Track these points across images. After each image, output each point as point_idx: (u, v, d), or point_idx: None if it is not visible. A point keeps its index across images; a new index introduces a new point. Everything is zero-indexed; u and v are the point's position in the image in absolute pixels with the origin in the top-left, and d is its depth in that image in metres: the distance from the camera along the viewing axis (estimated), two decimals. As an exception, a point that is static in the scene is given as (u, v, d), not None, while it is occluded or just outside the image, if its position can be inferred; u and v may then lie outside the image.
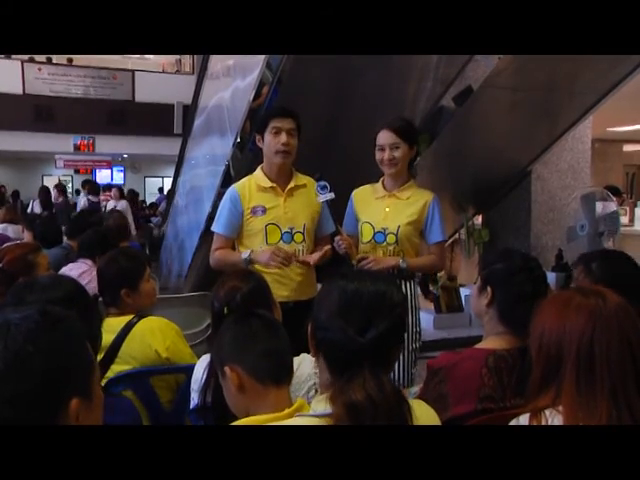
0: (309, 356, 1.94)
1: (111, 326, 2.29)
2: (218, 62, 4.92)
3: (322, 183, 2.73)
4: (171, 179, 7.67)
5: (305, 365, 1.93)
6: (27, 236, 4.98)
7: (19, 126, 13.53)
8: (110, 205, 10.30)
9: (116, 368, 2.27)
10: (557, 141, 4.73)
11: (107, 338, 2.20)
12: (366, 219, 2.84)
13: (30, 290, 1.79)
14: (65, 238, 4.67)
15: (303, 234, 2.84)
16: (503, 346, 1.82)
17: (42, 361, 0.97)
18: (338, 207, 2.84)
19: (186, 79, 14.17)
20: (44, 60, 14.66)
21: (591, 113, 4.49)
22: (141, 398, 2.25)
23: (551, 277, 4.33)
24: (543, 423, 1.32)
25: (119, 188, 11.82)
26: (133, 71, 15.27)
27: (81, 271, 3.60)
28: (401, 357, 2.68)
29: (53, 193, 11.21)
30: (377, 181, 2.91)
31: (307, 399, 1.71)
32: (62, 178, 18.34)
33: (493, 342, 1.86)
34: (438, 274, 4.30)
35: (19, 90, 14.01)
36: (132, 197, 12.54)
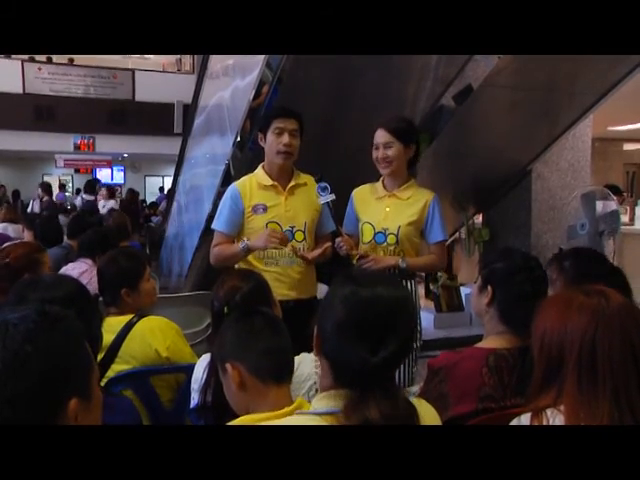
0: (309, 355, 1.94)
1: (111, 326, 2.29)
2: (218, 61, 4.92)
3: (323, 184, 2.73)
4: (171, 178, 7.67)
5: (305, 364, 1.93)
6: (27, 236, 4.98)
7: (19, 125, 13.53)
8: (101, 205, 10.30)
9: (116, 368, 2.27)
10: (557, 140, 4.73)
11: (107, 338, 2.20)
12: (366, 219, 2.84)
13: (33, 288, 1.79)
14: (65, 238, 4.67)
15: (304, 232, 2.84)
16: (503, 345, 1.82)
17: (41, 361, 0.97)
18: (338, 207, 2.84)
19: (186, 78, 14.16)
20: (44, 60, 14.66)
21: (591, 112, 4.48)
22: (141, 398, 2.25)
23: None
24: (544, 423, 1.31)
25: (108, 187, 11.79)
26: (133, 70, 15.26)
27: (81, 271, 3.60)
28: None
29: (38, 192, 11.20)
30: (377, 181, 2.90)
31: (307, 398, 1.71)
32: (62, 178, 18.37)
33: (493, 341, 1.86)
34: (439, 273, 4.30)
35: (19, 89, 14.01)
36: (132, 196, 12.54)
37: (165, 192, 14.68)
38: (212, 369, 1.83)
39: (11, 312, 1.03)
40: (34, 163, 18.10)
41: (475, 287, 1.99)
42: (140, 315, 2.37)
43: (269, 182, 2.84)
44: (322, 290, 2.98)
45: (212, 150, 5.10)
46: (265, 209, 2.82)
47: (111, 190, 11.39)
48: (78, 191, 15.06)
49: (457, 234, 5.52)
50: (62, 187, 16.15)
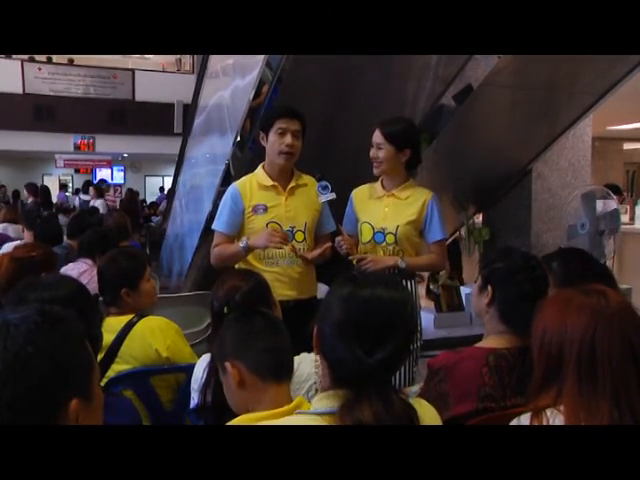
0: (309, 355, 1.94)
1: (111, 326, 2.29)
2: (218, 61, 4.92)
3: (323, 183, 2.73)
4: (171, 178, 7.67)
5: (305, 365, 1.93)
6: (27, 236, 4.98)
7: (19, 126, 13.53)
8: (90, 204, 10.32)
9: (116, 368, 2.27)
10: (557, 140, 4.73)
11: (107, 338, 2.20)
12: (365, 219, 2.84)
13: (33, 288, 1.79)
14: (65, 238, 4.67)
15: (304, 233, 2.84)
16: (504, 345, 1.82)
17: (42, 362, 0.97)
18: (338, 207, 2.84)
19: (186, 78, 14.16)
20: (44, 60, 14.65)
21: (591, 112, 4.48)
22: (141, 398, 2.25)
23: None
24: (544, 423, 1.31)
25: (96, 186, 11.77)
26: (133, 70, 15.26)
27: (81, 271, 3.60)
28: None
29: (24, 194, 11.18)
30: (376, 181, 2.90)
31: (307, 398, 1.71)
32: (62, 177, 18.37)
33: (493, 341, 1.86)
34: (440, 273, 4.29)
35: (19, 89, 14.00)
36: (131, 196, 12.53)
37: (165, 192, 14.68)
38: (212, 369, 1.83)
39: (12, 313, 1.03)
40: (34, 163, 18.09)
41: (475, 287, 1.99)
42: (140, 315, 2.37)
43: (269, 182, 2.84)
44: (322, 290, 2.98)
45: (212, 150, 5.10)
46: (265, 209, 2.81)
47: (99, 189, 11.37)
48: (77, 191, 15.04)
49: (457, 234, 5.52)
50: (63, 187, 16.16)
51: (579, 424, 1.28)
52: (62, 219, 7.17)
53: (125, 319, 2.34)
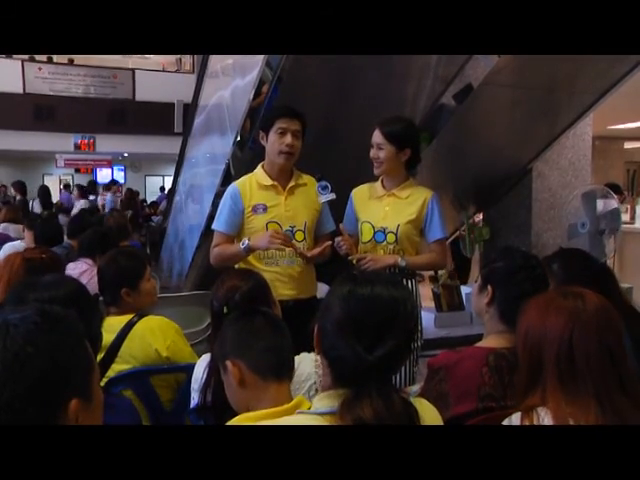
0: (309, 355, 1.94)
1: (111, 326, 2.29)
2: (218, 61, 4.92)
3: (323, 183, 2.72)
4: (172, 178, 7.67)
5: (305, 364, 1.93)
6: (28, 236, 4.97)
7: (19, 125, 13.53)
8: (77, 205, 10.36)
9: (116, 367, 2.27)
10: (557, 139, 4.73)
11: (107, 338, 2.20)
12: (366, 218, 2.84)
13: (33, 288, 1.79)
14: (65, 237, 4.67)
15: (304, 232, 2.84)
16: (504, 345, 1.81)
17: (42, 362, 0.97)
18: (338, 207, 2.84)
19: (186, 78, 14.16)
20: (44, 59, 14.65)
21: (591, 111, 4.48)
22: (141, 398, 2.25)
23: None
24: (535, 421, 1.34)
25: (79, 187, 11.81)
26: (133, 70, 15.26)
27: (81, 270, 3.61)
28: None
29: (11, 191, 11.17)
30: (376, 180, 2.90)
31: (307, 398, 1.71)
32: (63, 177, 18.36)
33: (494, 341, 1.86)
34: (439, 272, 4.29)
35: (19, 89, 14.01)
36: (131, 195, 12.54)
37: (166, 192, 14.68)
38: (212, 369, 1.83)
39: (12, 313, 1.03)
40: (34, 163, 18.09)
41: (475, 286, 1.99)
42: (140, 315, 2.37)
43: (269, 182, 2.84)
44: (323, 290, 2.98)
45: (212, 149, 5.10)
46: (265, 209, 2.81)
47: (82, 190, 11.40)
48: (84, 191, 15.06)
49: (457, 233, 5.52)
50: (67, 187, 16.15)
51: (567, 421, 1.30)
52: (62, 219, 7.17)
53: (125, 319, 2.34)
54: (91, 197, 12.38)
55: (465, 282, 5.28)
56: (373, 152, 2.76)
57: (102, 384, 2.02)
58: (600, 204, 4.77)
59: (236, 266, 2.82)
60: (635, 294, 4.60)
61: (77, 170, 18.12)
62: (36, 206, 10.94)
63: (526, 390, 1.42)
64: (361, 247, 2.84)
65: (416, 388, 2.05)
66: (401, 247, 2.78)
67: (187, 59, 16.19)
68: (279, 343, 1.64)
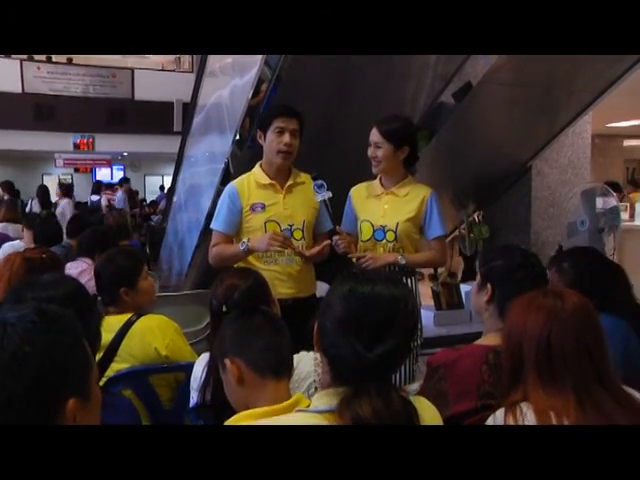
0: (308, 354, 1.94)
1: (110, 325, 2.29)
2: (217, 60, 4.91)
3: (319, 182, 2.72)
4: (171, 177, 7.66)
5: (304, 363, 1.93)
6: (27, 235, 4.97)
7: (18, 125, 13.49)
8: (60, 204, 10.35)
9: (116, 367, 2.27)
10: (557, 137, 4.73)
11: (106, 337, 2.20)
12: (365, 217, 2.83)
13: (31, 288, 1.79)
14: (65, 237, 4.67)
15: (302, 231, 2.84)
16: (503, 343, 1.81)
17: (39, 361, 0.96)
18: (337, 206, 2.83)
19: (185, 77, 14.13)
20: (43, 59, 14.63)
21: (590, 109, 4.48)
22: (141, 397, 2.25)
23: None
24: (519, 417, 1.37)
25: (63, 186, 11.79)
26: (132, 69, 15.24)
27: (81, 270, 3.60)
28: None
29: None
30: (375, 179, 2.90)
31: (306, 397, 1.71)
32: (62, 177, 18.34)
33: (493, 339, 1.86)
34: (439, 270, 4.30)
35: (18, 89, 13.97)
36: (130, 194, 12.55)
37: (165, 191, 14.67)
38: (211, 368, 1.83)
39: (9, 312, 1.03)
40: (34, 163, 18.06)
41: (474, 285, 1.99)
42: (139, 314, 2.37)
43: (267, 181, 2.84)
44: (322, 289, 2.98)
45: (211, 148, 5.09)
46: (263, 208, 2.81)
47: (65, 188, 11.39)
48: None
49: (457, 231, 5.52)
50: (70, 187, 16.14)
51: (548, 415, 1.35)
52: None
53: (124, 318, 2.33)
54: (95, 197, 12.42)
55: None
56: (371, 151, 2.76)
57: (101, 383, 2.02)
58: (599, 202, 4.78)
59: (235, 265, 2.82)
60: (635, 293, 4.59)
61: (76, 170, 18.08)
62: (35, 206, 10.95)
63: (509, 387, 1.47)
64: (361, 245, 2.84)
65: (415, 386, 2.06)
66: (401, 245, 2.78)
67: (186, 58, 16.18)
68: (278, 342, 1.64)
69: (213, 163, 4.89)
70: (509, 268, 1.90)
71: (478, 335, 1.96)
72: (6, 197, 10.25)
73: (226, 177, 4.18)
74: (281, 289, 2.70)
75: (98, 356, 2.10)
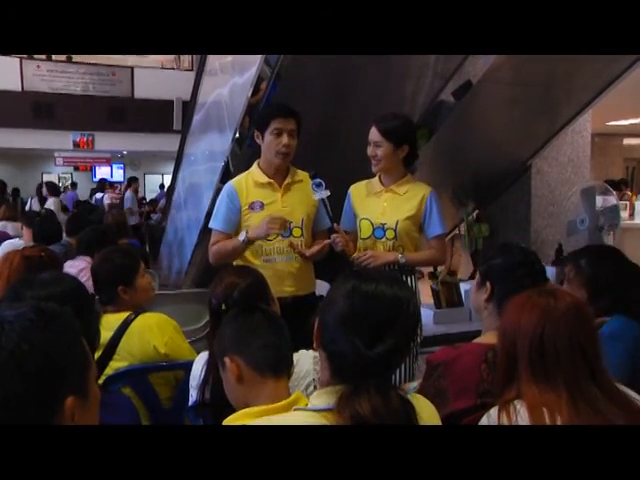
0: (308, 352, 1.94)
1: (109, 323, 2.29)
2: (216, 58, 4.90)
3: (317, 181, 2.71)
4: (171, 175, 7.65)
5: (304, 361, 1.93)
6: (26, 233, 4.97)
7: (18, 123, 13.47)
8: (47, 203, 10.36)
9: (115, 365, 2.27)
10: (556, 135, 4.72)
11: (105, 335, 2.19)
12: (364, 215, 2.83)
13: (30, 286, 1.79)
14: (64, 235, 4.67)
15: (301, 229, 2.84)
16: (502, 341, 1.81)
17: (37, 359, 0.96)
18: (337, 204, 2.83)
19: (185, 75, 14.11)
20: (43, 57, 14.61)
21: (589, 108, 4.48)
22: (140, 395, 2.25)
23: (551, 271, 4.32)
24: (512, 415, 1.38)
25: (51, 184, 11.81)
26: (132, 68, 15.22)
27: (80, 268, 3.60)
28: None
29: None
30: (374, 177, 2.90)
31: (306, 395, 1.71)
32: (62, 175, 18.34)
33: (492, 337, 1.85)
34: (438, 269, 4.29)
35: (18, 87, 13.96)
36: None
37: (165, 189, 14.67)
38: (210, 366, 1.83)
39: (7, 310, 1.03)
40: (33, 161, 18.06)
41: (474, 283, 1.99)
42: (138, 312, 2.37)
43: (265, 179, 2.84)
44: (321, 287, 2.98)
45: (211, 147, 5.09)
46: (262, 206, 2.81)
47: (53, 187, 11.40)
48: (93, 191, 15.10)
49: (457, 230, 5.52)
50: (74, 185, 16.15)
51: (540, 411, 1.36)
52: (61, 217, 7.18)
53: (123, 316, 2.33)
54: (99, 194, 12.45)
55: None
56: (371, 150, 2.76)
57: (100, 381, 2.02)
58: (599, 200, 4.77)
59: (234, 263, 2.82)
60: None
61: (76, 168, 18.09)
62: (34, 204, 10.95)
63: (504, 385, 1.47)
64: (360, 243, 2.84)
65: (415, 384, 2.05)
66: (400, 243, 2.78)
67: (186, 57, 16.12)
68: (277, 340, 1.64)
69: (213, 161, 4.89)
70: (508, 266, 1.90)
71: (478, 333, 1.96)
72: None
73: (226, 175, 4.18)
74: (280, 287, 2.69)
75: (97, 354, 2.10)
